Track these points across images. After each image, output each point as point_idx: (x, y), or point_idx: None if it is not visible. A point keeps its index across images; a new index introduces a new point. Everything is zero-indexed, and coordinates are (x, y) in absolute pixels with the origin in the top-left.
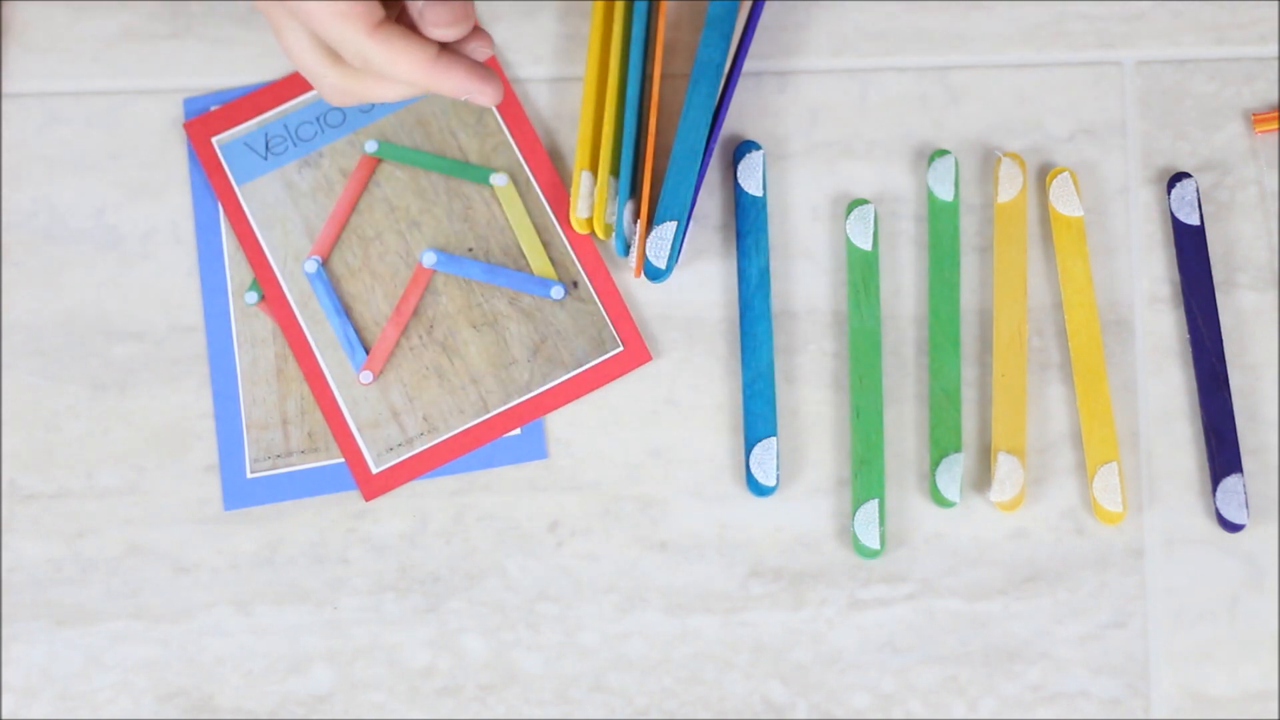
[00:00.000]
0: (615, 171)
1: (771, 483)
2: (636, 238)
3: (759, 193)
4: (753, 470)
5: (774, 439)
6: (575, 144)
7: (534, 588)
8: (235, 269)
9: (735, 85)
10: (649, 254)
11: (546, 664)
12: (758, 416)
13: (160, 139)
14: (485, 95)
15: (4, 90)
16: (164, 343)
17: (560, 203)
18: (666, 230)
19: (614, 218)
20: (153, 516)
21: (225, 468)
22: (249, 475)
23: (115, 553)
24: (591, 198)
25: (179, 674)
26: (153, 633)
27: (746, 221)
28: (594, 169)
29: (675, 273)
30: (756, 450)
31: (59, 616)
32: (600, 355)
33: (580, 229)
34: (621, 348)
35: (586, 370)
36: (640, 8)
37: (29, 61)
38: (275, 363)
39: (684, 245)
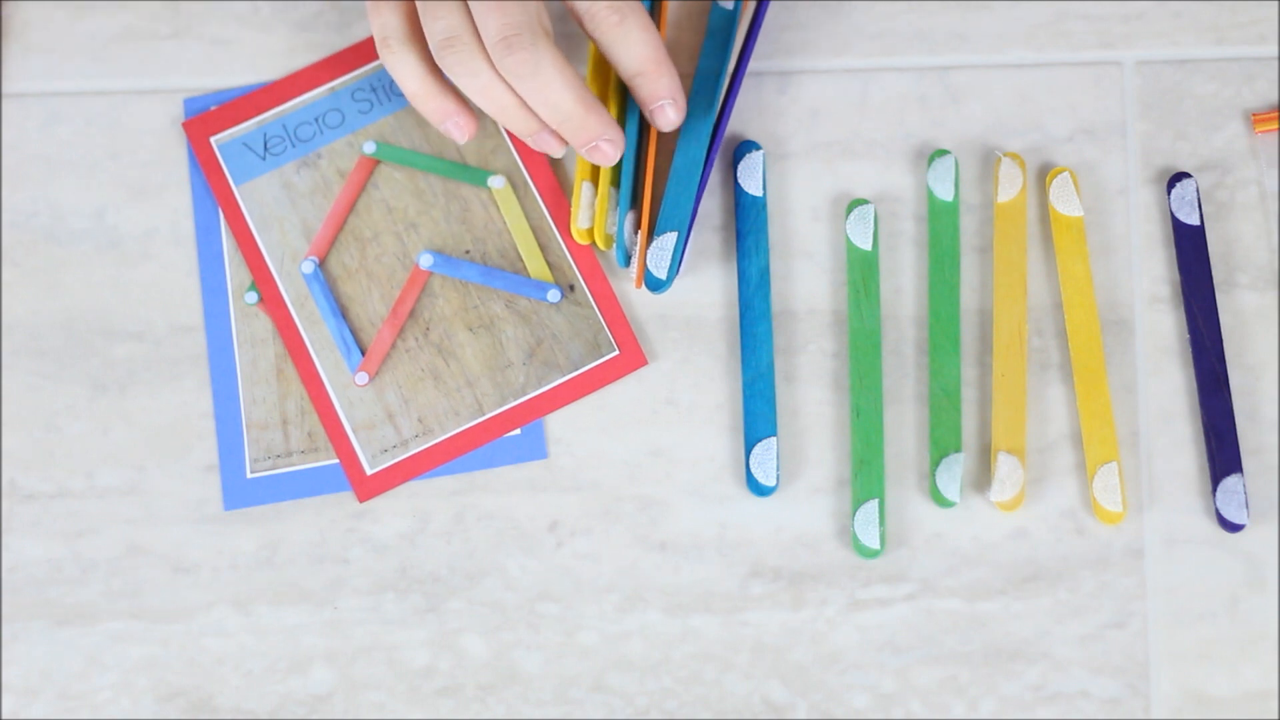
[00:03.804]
0: (616, 182)
1: (771, 483)
2: (637, 249)
3: (759, 193)
4: (753, 470)
5: (774, 439)
6: (576, 154)
7: (534, 588)
8: (235, 269)
9: (736, 96)
10: (650, 265)
11: (546, 664)
12: (758, 416)
13: (160, 139)
14: (452, 136)
15: (4, 90)
16: (164, 343)
17: (558, 206)
18: (667, 241)
19: (615, 228)
20: (153, 516)
21: (225, 468)
22: (249, 475)
23: (115, 553)
24: (592, 208)
25: (179, 674)
26: (153, 633)
27: (746, 221)
28: (595, 180)
29: None
30: (756, 450)
31: (59, 616)
32: (596, 359)
33: (581, 240)
34: (617, 352)
35: (582, 374)
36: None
37: (29, 61)
38: (275, 363)
39: (685, 256)
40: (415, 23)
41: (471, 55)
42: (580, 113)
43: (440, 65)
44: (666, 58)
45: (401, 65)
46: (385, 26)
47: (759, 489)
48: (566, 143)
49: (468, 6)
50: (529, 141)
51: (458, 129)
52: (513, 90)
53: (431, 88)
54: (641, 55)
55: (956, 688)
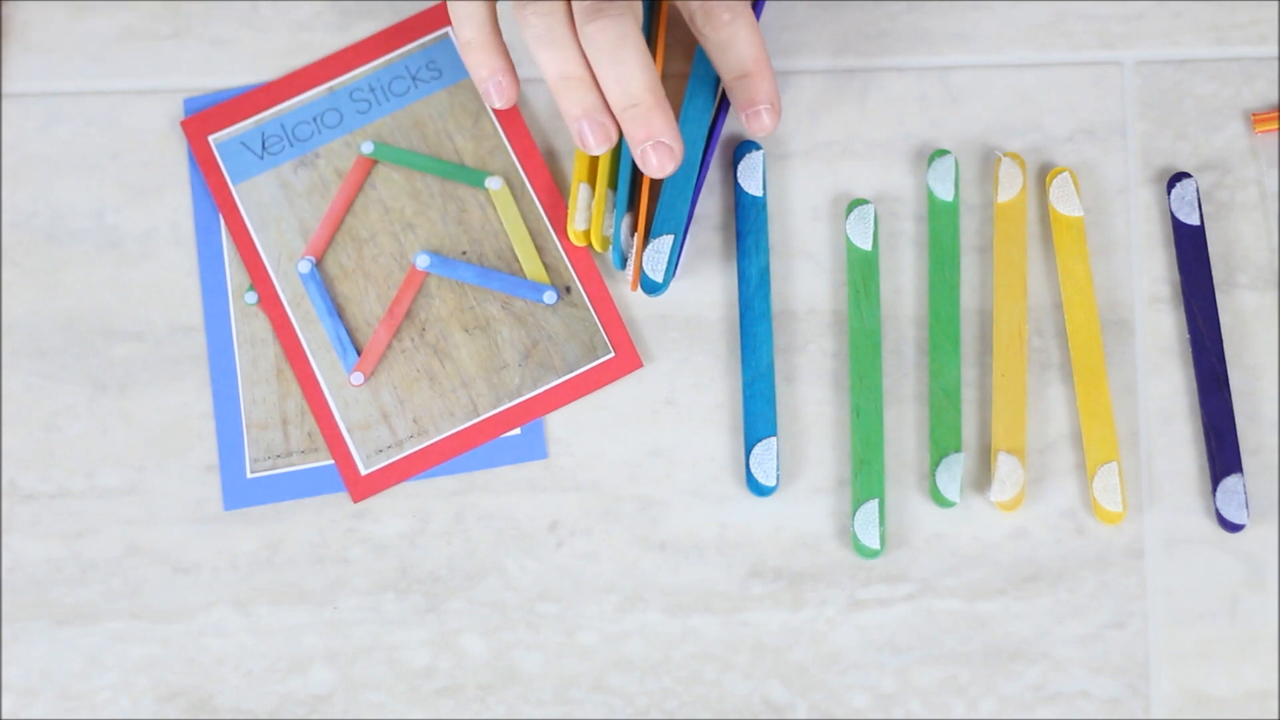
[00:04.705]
0: (613, 184)
1: (771, 483)
2: (634, 251)
3: (759, 193)
4: (753, 470)
5: (774, 439)
6: (573, 152)
7: (534, 588)
8: (235, 269)
9: None
10: (646, 268)
11: (546, 664)
12: (758, 416)
13: (160, 139)
14: (488, 98)
15: (4, 90)
16: (164, 343)
17: (555, 207)
18: (663, 244)
19: (611, 230)
20: (153, 516)
21: (225, 468)
22: (249, 475)
23: (115, 553)
24: (589, 210)
25: (179, 674)
26: (153, 633)
27: (746, 221)
28: (592, 181)
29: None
30: (757, 450)
31: (59, 616)
32: (591, 361)
33: (578, 241)
34: (613, 354)
35: (577, 376)
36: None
37: (29, 61)
38: (275, 363)
39: (681, 258)
40: None
41: (554, 12)
42: (650, 101)
43: (518, 18)
44: (769, 62)
45: (465, 9)
46: None
47: (759, 489)
48: (611, 138)
49: None
50: (574, 125)
51: (499, 90)
52: (584, 62)
53: (487, 39)
54: (748, 57)
55: (956, 688)
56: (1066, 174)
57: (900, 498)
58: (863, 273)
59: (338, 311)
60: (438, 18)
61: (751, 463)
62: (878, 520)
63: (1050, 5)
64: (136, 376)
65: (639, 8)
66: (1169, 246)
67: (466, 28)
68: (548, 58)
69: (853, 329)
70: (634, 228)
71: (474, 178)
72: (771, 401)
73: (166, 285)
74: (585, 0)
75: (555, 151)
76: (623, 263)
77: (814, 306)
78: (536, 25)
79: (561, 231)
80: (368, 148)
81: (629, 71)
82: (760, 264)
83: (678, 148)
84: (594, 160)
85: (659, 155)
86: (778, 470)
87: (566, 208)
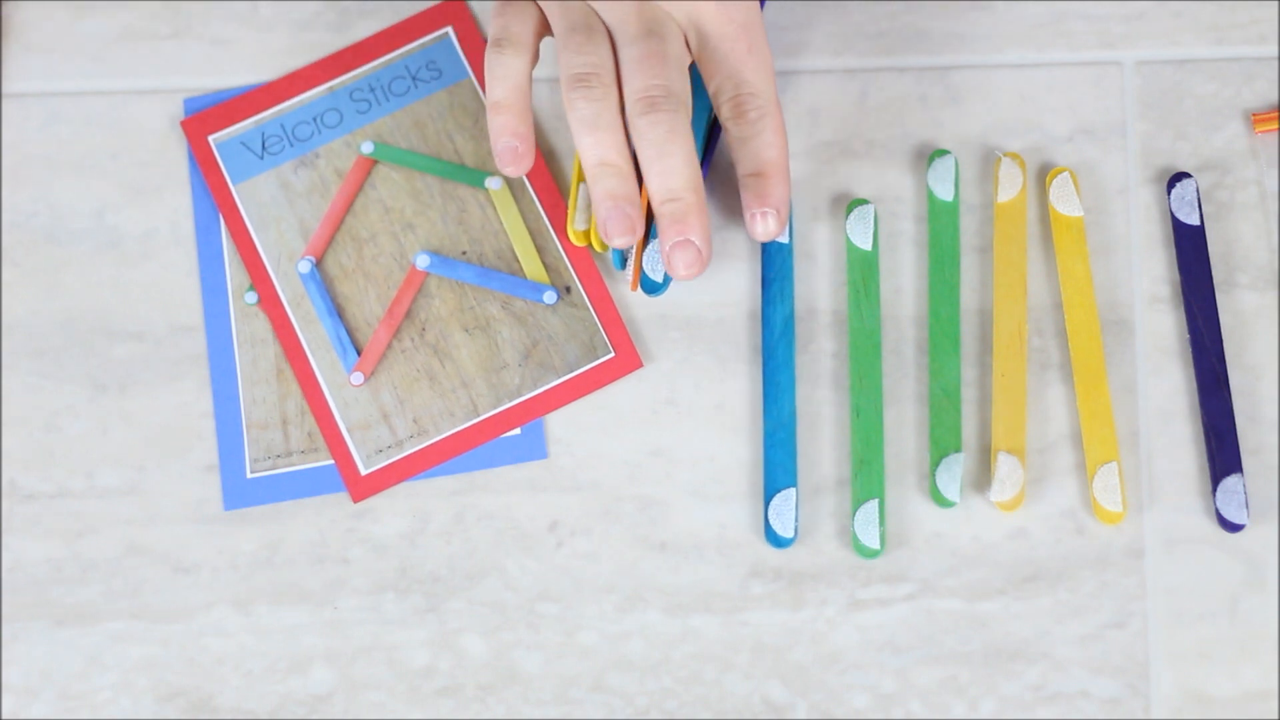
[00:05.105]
0: None
1: (790, 534)
2: (634, 251)
3: (785, 239)
4: (771, 521)
5: (793, 489)
6: (573, 152)
7: (534, 588)
8: (235, 269)
9: None
10: (645, 268)
11: (546, 664)
12: (777, 467)
13: (160, 139)
14: (502, 162)
15: (4, 90)
16: (164, 343)
17: (555, 207)
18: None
19: None
20: (153, 516)
21: (225, 468)
22: (249, 475)
23: (115, 553)
24: (589, 210)
25: (179, 674)
26: (153, 633)
27: (772, 268)
28: None
29: None
30: (775, 501)
31: (59, 616)
32: (591, 361)
33: (577, 241)
34: (613, 354)
35: (577, 376)
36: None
37: (29, 61)
38: (275, 363)
39: None
40: (538, 37)
41: (605, 99)
42: (691, 200)
43: (566, 99)
44: (788, 167)
45: (504, 68)
46: (509, 29)
47: (777, 540)
48: (635, 231)
49: (614, 51)
50: (602, 211)
51: (515, 158)
52: (625, 152)
53: (517, 103)
54: (766, 158)
55: (956, 688)
56: (1066, 174)
57: (900, 498)
58: (863, 273)
59: (338, 311)
60: (438, 18)
61: (770, 514)
62: (878, 520)
63: (1050, 5)
64: (136, 376)
65: (690, 104)
66: (1169, 246)
67: (500, 87)
68: (590, 142)
69: (853, 329)
70: None
71: (474, 178)
72: (792, 454)
73: (166, 285)
74: (639, 94)
75: (555, 151)
76: (623, 263)
77: (814, 306)
78: (584, 110)
79: (561, 231)
80: (368, 148)
81: (674, 166)
82: (785, 311)
83: (706, 253)
84: None
85: (686, 256)
86: (796, 522)
87: (566, 208)
